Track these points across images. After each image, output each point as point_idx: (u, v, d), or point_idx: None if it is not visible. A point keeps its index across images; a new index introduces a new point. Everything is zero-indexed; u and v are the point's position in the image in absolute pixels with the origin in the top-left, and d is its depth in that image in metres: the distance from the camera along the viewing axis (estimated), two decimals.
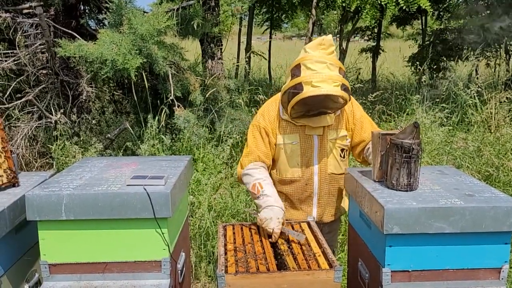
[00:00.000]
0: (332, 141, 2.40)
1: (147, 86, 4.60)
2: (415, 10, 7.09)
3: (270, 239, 2.13)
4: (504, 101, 5.10)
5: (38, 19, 4.49)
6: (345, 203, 2.63)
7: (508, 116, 5.02)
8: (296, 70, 2.21)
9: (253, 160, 2.40)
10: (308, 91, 2.13)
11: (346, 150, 2.47)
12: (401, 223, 1.74)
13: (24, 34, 4.73)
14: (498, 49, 9.44)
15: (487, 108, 5.04)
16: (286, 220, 2.37)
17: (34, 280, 2.12)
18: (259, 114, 2.47)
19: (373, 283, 1.97)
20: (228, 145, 4.58)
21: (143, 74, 4.44)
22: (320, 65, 2.16)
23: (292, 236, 2.13)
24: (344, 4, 6.57)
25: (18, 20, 4.67)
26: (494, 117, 4.95)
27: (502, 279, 1.84)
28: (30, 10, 4.69)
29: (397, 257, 1.81)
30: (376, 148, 2.04)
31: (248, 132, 2.49)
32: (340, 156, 2.44)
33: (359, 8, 6.67)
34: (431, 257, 1.81)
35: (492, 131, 4.82)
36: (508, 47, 8.87)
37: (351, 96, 2.39)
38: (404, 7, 6.52)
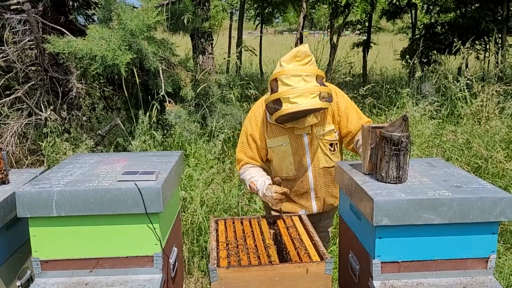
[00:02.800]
0: (319, 137, 2.44)
1: (137, 82, 4.57)
2: (405, 3, 7.12)
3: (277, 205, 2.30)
4: (493, 94, 5.14)
5: (26, 15, 4.44)
6: None
7: (497, 109, 5.06)
8: (274, 85, 2.26)
9: (241, 166, 2.54)
10: (286, 108, 2.19)
11: (336, 144, 2.50)
12: (390, 215, 1.77)
13: (12, 30, 4.68)
14: (488, 42, 9.52)
15: (477, 101, 5.08)
16: (277, 212, 2.40)
17: (26, 277, 2.11)
18: (247, 119, 2.54)
19: (364, 275, 1.99)
20: (220, 140, 4.57)
21: (134, 69, 4.42)
22: (295, 78, 2.19)
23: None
24: None
25: (5, 16, 4.62)
26: (484, 110, 4.99)
27: (490, 268, 1.87)
28: (18, 6, 4.64)
29: (386, 249, 1.83)
30: (366, 141, 2.06)
31: (240, 135, 2.59)
32: (330, 150, 2.47)
33: (350, 2, 6.69)
34: (420, 248, 1.84)
35: (481, 123, 4.86)
36: (497, 40, 8.93)
37: (335, 86, 2.46)
38: (394, 1, 6.55)
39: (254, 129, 2.47)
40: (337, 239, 3.13)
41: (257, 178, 2.41)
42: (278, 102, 2.22)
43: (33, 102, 4.66)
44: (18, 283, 2.06)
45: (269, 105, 2.28)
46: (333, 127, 2.45)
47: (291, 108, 2.18)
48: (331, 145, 2.47)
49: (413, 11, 10.40)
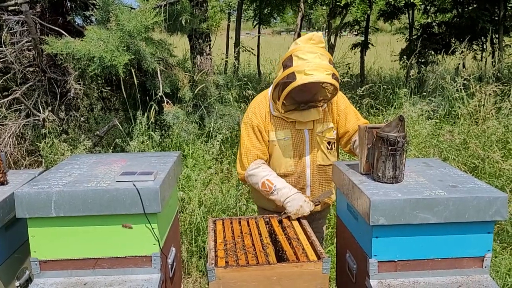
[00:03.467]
0: (319, 134, 2.45)
1: (135, 83, 4.58)
2: (402, 4, 7.13)
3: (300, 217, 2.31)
4: (490, 94, 5.16)
5: (24, 16, 4.45)
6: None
7: (494, 109, 5.08)
8: (288, 61, 2.27)
9: (252, 160, 2.46)
10: (301, 79, 2.19)
11: (334, 142, 2.52)
12: (387, 214, 1.78)
13: (10, 31, 4.68)
14: (485, 42, 9.55)
15: (474, 101, 5.10)
16: (277, 213, 2.41)
17: (24, 277, 2.12)
18: (250, 112, 2.50)
19: (361, 274, 2.00)
20: (218, 141, 4.58)
21: (132, 70, 4.43)
22: (311, 55, 2.22)
23: (324, 197, 2.48)
24: None
25: (3, 17, 4.62)
26: (481, 110, 5.01)
27: (486, 267, 1.89)
28: (16, 7, 4.64)
29: (383, 248, 1.85)
30: (363, 141, 2.07)
31: (242, 130, 2.53)
32: (327, 148, 2.49)
33: (349, 2, 6.70)
34: (416, 247, 1.85)
35: (478, 123, 4.88)
36: (494, 40, 8.96)
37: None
38: (392, 2, 6.56)
39: (259, 121, 2.45)
40: (335, 239, 3.14)
41: (273, 177, 2.37)
42: (292, 76, 2.21)
43: (31, 103, 4.67)
44: (17, 283, 2.07)
45: (282, 82, 2.24)
46: (332, 125, 2.48)
47: (306, 79, 2.18)
48: (328, 143, 2.49)
49: (410, 12, 10.43)
